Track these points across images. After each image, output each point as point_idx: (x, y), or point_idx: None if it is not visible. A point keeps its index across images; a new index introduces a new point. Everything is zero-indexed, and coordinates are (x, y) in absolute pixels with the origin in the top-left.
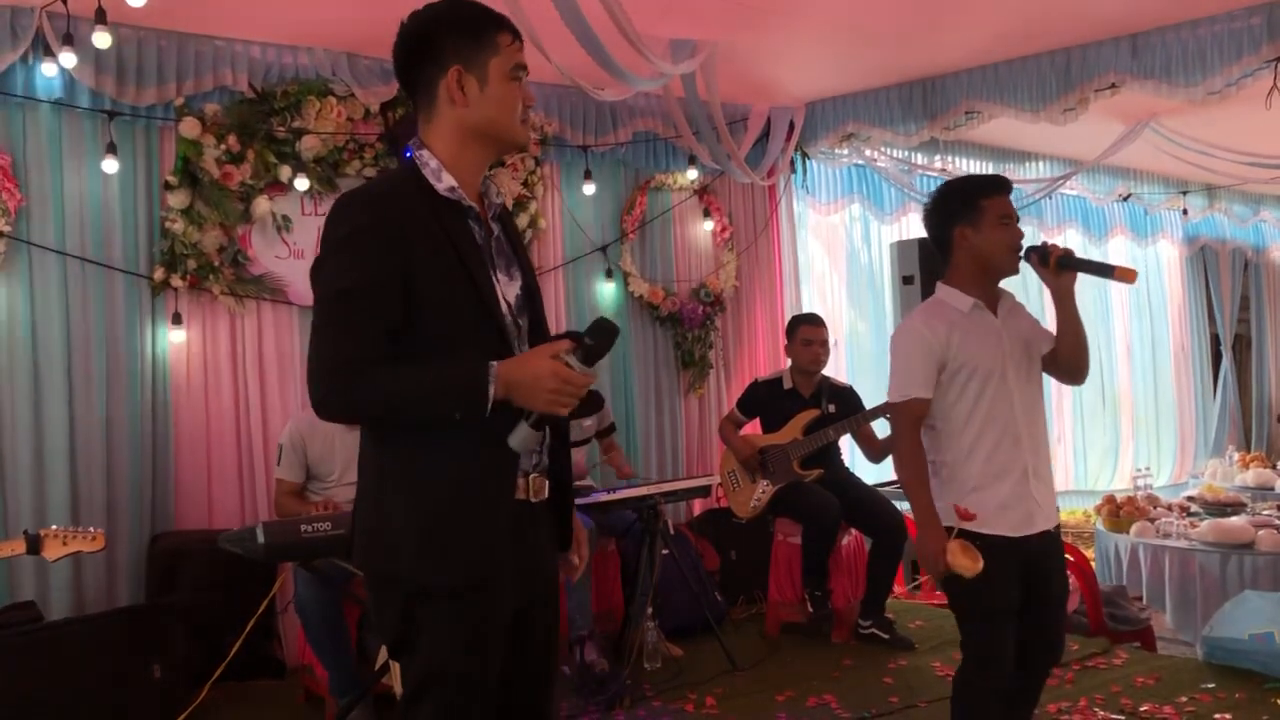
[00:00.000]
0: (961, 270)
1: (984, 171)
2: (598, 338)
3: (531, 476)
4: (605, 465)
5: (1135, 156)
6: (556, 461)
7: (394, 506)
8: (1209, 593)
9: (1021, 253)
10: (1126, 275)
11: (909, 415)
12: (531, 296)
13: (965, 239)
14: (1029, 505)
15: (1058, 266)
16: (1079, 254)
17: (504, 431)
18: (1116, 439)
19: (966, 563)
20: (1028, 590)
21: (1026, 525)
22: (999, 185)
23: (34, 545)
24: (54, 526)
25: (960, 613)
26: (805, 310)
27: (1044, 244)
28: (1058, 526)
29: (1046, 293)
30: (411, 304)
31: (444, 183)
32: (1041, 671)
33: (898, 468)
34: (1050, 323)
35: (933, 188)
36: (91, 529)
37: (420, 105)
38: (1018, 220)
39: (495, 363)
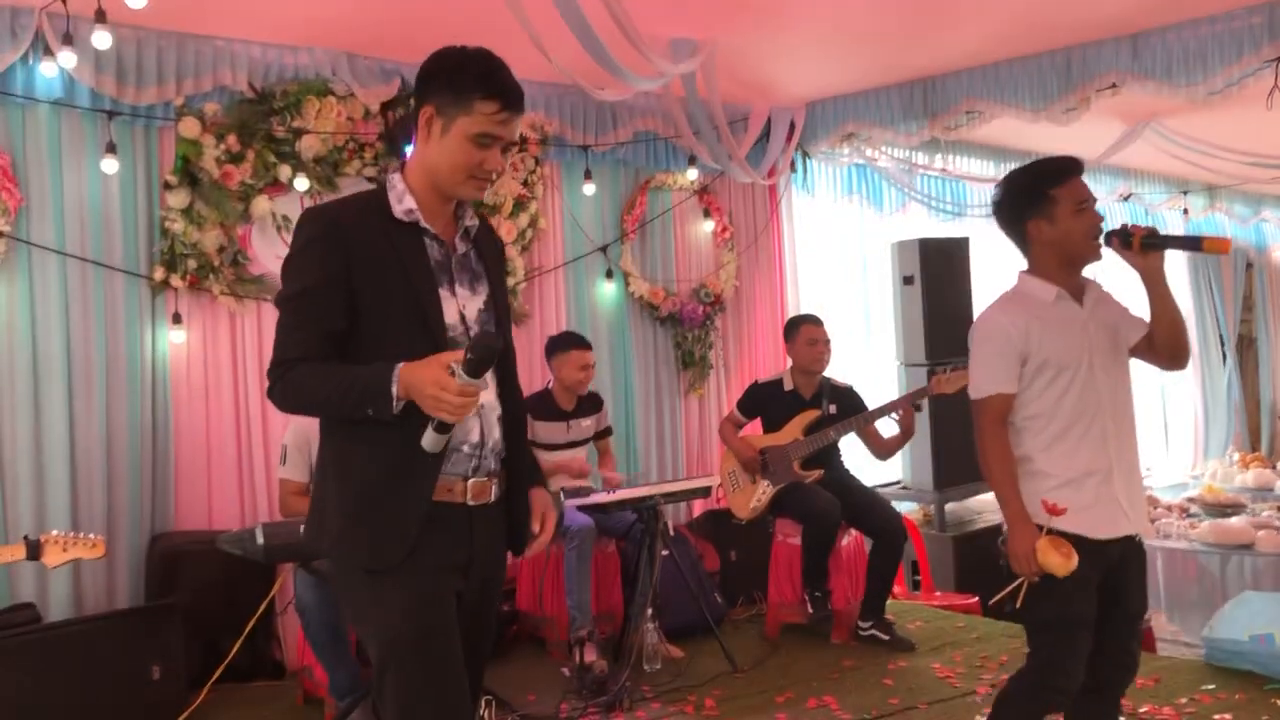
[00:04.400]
0: (1042, 262)
1: (985, 171)
2: (477, 352)
3: (471, 481)
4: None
5: (1136, 156)
6: (510, 468)
7: (329, 492)
8: (1209, 593)
9: (1101, 238)
10: (1218, 246)
11: (992, 412)
12: (498, 312)
13: (1041, 232)
14: (1113, 507)
15: (1143, 247)
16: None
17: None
18: None
19: (1059, 560)
20: (1104, 600)
21: (1110, 528)
22: (1068, 169)
23: (34, 551)
24: (54, 532)
25: (1034, 620)
26: (805, 311)
27: (1124, 225)
28: (1139, 535)
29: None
30: (354, 310)
31: (403, 205)
32: (1117, 690)
33: (984, 467)
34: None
35: (934, 187)
36: (92, 535)
37: (414, 131)
38: (1095, 202)
39: (401, 365)
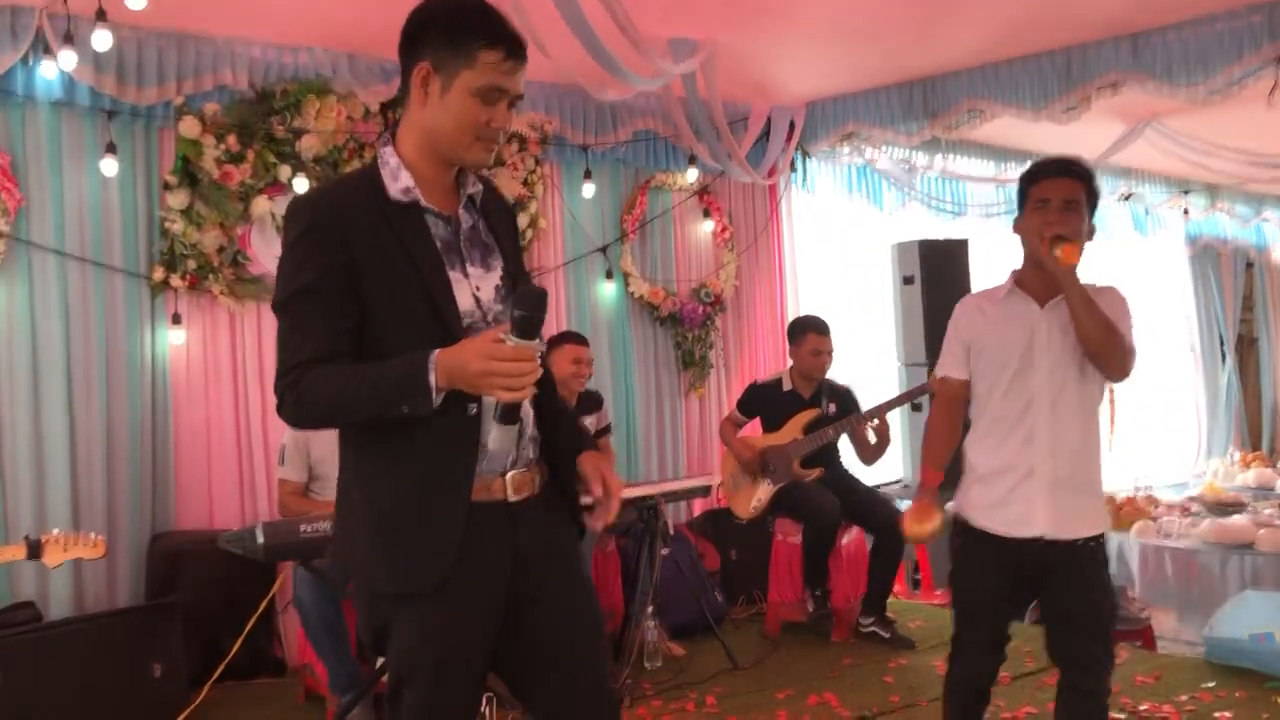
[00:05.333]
0: (1023, 258)
1: (984, 171)
2: (524, 305)
3: (510, 475)
4: None
5: (1137, 156)
6: (552, 451)
7: (355, 504)
8: (1209, 592)
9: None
10: (1067, 255)
11: (939, 393)
12: (516, 285)
13: (1015, 227)
14: (1026, 507)
15: (1050, 246)
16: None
17: (463, 428)
18: (1120, 439)
19: (914, 528)
20: (1040, 602)
21: (1020, 527)
22: (1043, 169)
23: (34, 551)
24: (55, 532)
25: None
26: (805, 312)
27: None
28: (1088, 540)
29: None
30: (360, 305)
31: (399, 183)
32: (1086, 688)
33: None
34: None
35: (934, 187)
36: (93, 535)
37: (404, 94)
38: (1060, 204)
39: (437, 350)
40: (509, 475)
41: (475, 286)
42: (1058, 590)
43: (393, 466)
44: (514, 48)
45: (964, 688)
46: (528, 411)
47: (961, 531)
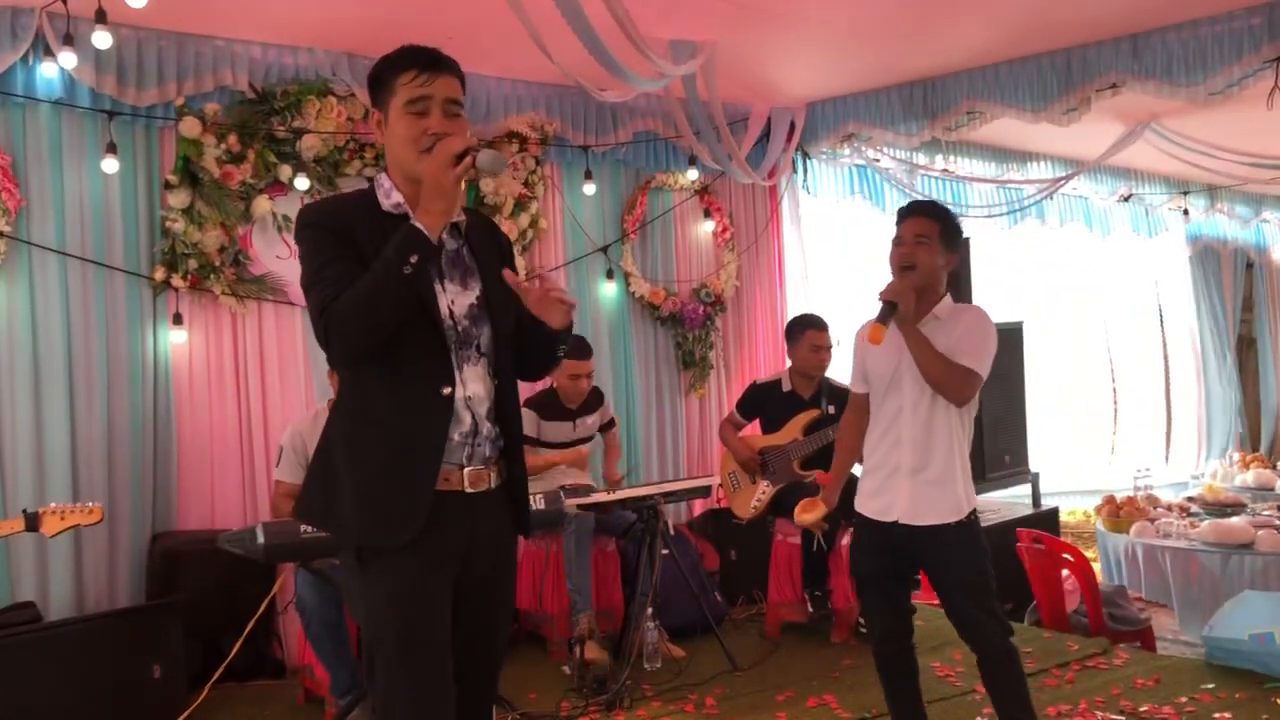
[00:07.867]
0: None
1: (986, 171)
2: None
3: (467, 470)
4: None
5: (1137, 157)
6: (508, 457)
7: (339, 462)
8: (1209, 593)
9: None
10: (869, 332)
11: (848, 403)
12: (492, 307)
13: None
14: (890, 497)
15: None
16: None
17: (438, 408)
18: (1121, 439)
19: (801, 515)
20: (926, 576)
21: (885, 513)
22: (900, 211)
23: (32, 522)
24: (51, 504)
25: None
26: (806, 311)
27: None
28: (947, 525)
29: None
30: None
31: (391, 199)
32: (979, 661)
33: None
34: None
35: (935, 188)
36: (89, 503)
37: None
38: (907, 243)
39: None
40: (466, 470)
41: (450, 300)
42: (930, 567)
43: (378, 431)
44: (426, 63)
45: (882, 654)
46: (486, 424)
47: (856, 517)
